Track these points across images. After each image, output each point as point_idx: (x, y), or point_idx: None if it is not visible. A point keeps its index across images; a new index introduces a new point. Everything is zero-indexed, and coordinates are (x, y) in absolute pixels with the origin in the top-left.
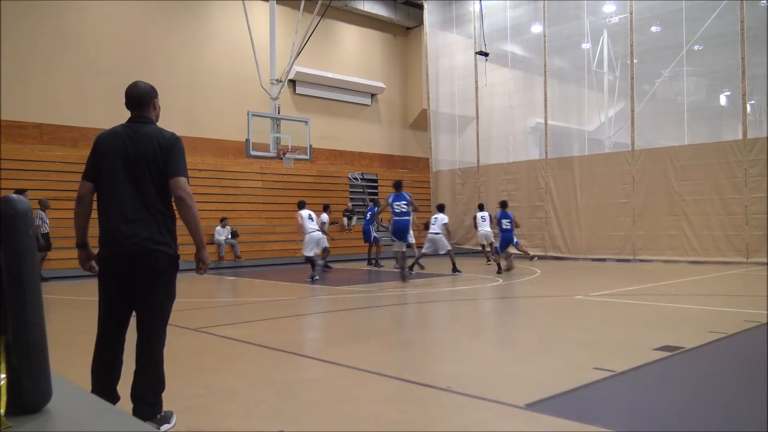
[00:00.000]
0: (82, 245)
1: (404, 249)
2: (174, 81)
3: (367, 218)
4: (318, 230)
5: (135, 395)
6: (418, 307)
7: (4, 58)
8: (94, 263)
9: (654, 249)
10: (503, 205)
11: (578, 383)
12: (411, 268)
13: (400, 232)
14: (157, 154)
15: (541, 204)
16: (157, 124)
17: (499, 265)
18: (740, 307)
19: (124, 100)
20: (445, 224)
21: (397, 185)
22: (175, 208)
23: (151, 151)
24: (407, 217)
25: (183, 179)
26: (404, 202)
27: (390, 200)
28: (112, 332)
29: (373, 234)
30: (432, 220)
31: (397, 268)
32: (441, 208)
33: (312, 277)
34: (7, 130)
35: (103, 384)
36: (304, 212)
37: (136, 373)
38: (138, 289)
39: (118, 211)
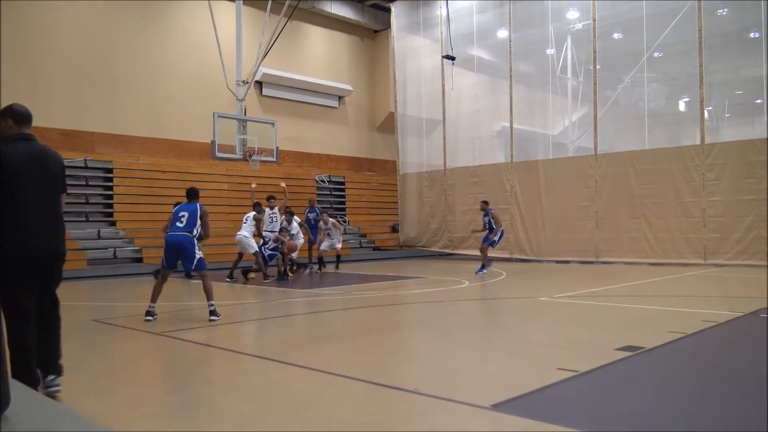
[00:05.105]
0: None
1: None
2: (138, 80)
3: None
4: (244, 234)
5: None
6: (384, 310)
7: None
8: None
9: (616, 251)
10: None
11: (543, 383)
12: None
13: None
14: (59, 173)
15: (506, 207)
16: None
17: (484, 264)
18: (698, 308)
19: (30, 111)
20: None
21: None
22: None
23: (57, 170)
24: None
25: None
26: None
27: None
28: (30, 320)
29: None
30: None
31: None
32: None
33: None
34: None
35: (29, 365)
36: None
37: (46, 342)
38: (51, 281)
39: (40, 221)
